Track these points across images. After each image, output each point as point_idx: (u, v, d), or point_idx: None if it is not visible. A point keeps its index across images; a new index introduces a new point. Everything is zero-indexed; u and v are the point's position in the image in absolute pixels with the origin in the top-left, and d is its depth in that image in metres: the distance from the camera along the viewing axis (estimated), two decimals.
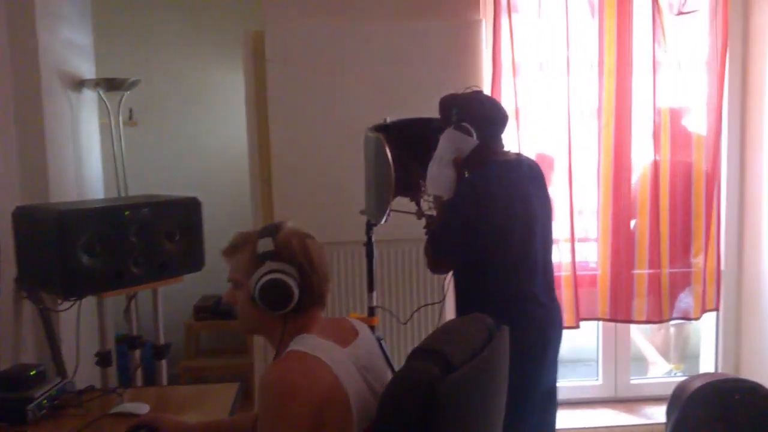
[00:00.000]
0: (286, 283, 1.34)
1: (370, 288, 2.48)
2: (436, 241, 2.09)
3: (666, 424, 1.85)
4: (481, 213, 1.95)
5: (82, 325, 2.23)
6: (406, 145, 2.21)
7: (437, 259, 2.11)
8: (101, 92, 3.07)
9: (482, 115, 2.05)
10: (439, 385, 1.20)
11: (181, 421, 1.64)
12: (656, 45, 2.99)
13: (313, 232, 1.46)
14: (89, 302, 2.30)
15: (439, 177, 2.05)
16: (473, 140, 2.01)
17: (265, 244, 1.37)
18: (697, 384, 1.78)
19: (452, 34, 2.95)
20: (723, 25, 3.00)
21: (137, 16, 3.85)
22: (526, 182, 2.06)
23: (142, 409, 1.77)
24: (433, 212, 2.22)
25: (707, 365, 3.38)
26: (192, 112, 3.93)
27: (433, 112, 2.14)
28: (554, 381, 2.14)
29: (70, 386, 1.90)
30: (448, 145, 2.04)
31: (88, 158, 3.05)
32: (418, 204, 2.29)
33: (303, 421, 1.23)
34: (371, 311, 2.48)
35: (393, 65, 2.92)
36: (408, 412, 1.20)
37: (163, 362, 2.51)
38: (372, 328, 2.45)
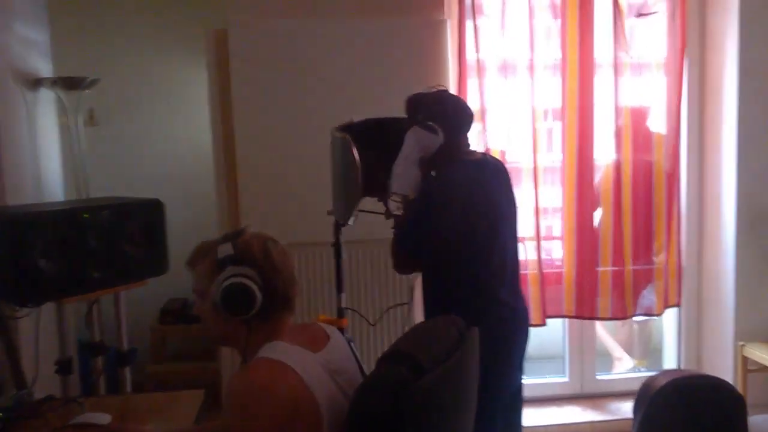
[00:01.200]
0: (248, 286, 1.32)
1: (339, 289, 2.46)
2: (400, 240, 2.08)
3: (633, 420, 1.88)
4: (445, 212, 1.95)
5: (42, 332, 2.16)
6: (372, 145, 2.19)
7: (402, 259, 2.11)
8: (59, 91, 2.98)
9: (448, 114, 2.05)
10: (410, 388, 1.20)
11: (146, 431, 1.60)
12: (617, 46, 3.04)
13: (281, 233, 1.44)
14: (49, 308, 2.23)
15: (404, 175, 2.04)
16: (439, 139, 2.01)
17: (225, 249, 1.35)
18: (663, 381, 1.81)
19: (417, 34, 2.95)
20: (681, 27, 3.07)
21: (97, 12, 3.76)
22: (491, 181, 2.07)
23: (104, 419, 1.72)
24: (401, 212, 2.21)
25: (670, 360, 3.45)
26: (155, 111, 3.85)
27: (399, 111, 2.14)
28: (520, 381, 2.15)
29: (28, 396, 1.84)
30: (414, 143, 2.03)
31: (46, 160, 2.96)
32: (385, 204, 2.27)
33: (271, 429, 1.21)
34: (340, 312, 2.47)
35: (358, 64, 2.91)
36: (378, 416, 1.20)
37: (127, 369, 2.45)
38: (341, 329, 2.44)
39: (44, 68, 3.03)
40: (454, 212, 1.96)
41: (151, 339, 3.65)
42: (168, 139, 3.85)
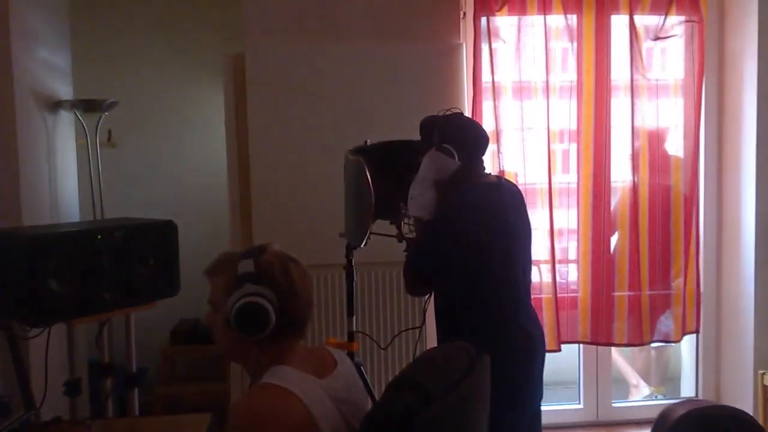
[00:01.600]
0: (263, 307, 1.30)
1: (350, 312, 2.44)
2: (414, 262, 2.07)
3: None
4: (459, 235, 1.94)
5: (53, 352, 2.16)
6: (386, 168, 2.19)
7: (415, 281, 2.09)
8: (78, 113, 3.03)
9: (463, 137, 2.04)
10: (419, 416, 1.17)
11: None
12: (634, 69, 3.02)
13: (292, 254, 1.42)
14: (60, 329, 2.23)
15: (420, 198, 2.04)
16: (455, 162, 2.00)
17: (246, 266, 1.32)
18: (681, 411, 1.77)
19: (433, 58, 2.96)
20: (699, 49, 3.05)
21: (116, 37, 3.82)
22: (505, 205, 2.05)
23: None
24: (413, 235, 2.20)
25: (688, 388, 3.38)
26: (171, 133, 3.89)
27: (413, 134, 2.13)
28: (539, 405, 2.11)
29: (36, 418, 1.83)
30: (430, 166, 2.02)
31: (63, 180, 3.00)
32: (398, 227, 2.26)
33: None
34: (351, 336, 2.45)
35: (373, 88, 2.92)
36: None
37: (135, 391, 2.44)
38: (351, 353, 2.41)
39: (64, 91, 3.09)
40: (468, 236, 1.94)
41: (162, 360, 3.65)
42: (183, 161, 3.88)
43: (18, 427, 1.74)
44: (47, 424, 1.86)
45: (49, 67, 2.93)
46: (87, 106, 3.01)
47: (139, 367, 2.53)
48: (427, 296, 2.19)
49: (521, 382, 1.96)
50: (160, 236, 2.28)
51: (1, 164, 2.46)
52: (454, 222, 1.96)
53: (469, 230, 1.94)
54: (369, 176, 2.10)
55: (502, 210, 2.03)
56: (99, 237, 2.10)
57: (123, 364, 2.46)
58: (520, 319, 2.01)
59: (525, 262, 2.09)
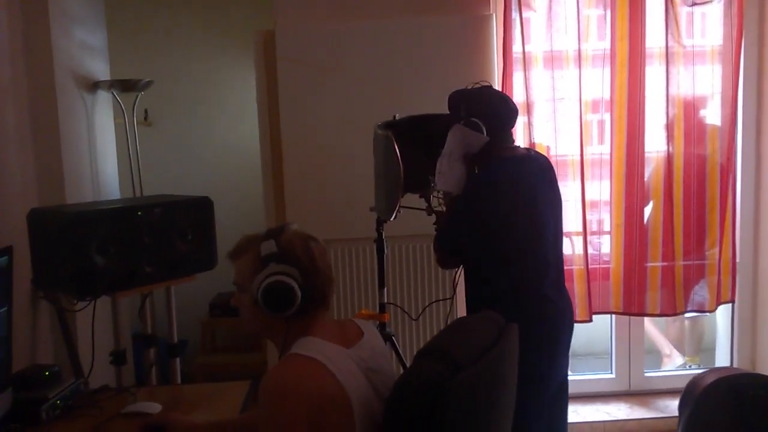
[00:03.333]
0: (289, 285, 1.35)
1: (381, 284, 2.49)
2: (443, 236, 2.10)
3: (678, 419, 1.84)
4: (486, 209, 1.95)
5: (99, 324, 2.26)
6: (415, 142, 2.21)
7: (445, 255, 2.12)
8: (115, 93, 3.11)
9: (491, 110, 2.04)
10: (447, 385, 1.21)
11: (189, 421, 1.66)
12: (669, 36, 2.95)
13: (325, 229, 1.47)
14: (105, 302, 2.33)
15: (448, 173, 2.05)
16: (483, 136, 2.01)
17: (268, 247, 1.38)
18: (710, 379, 1.77)
19: (462, 30, 2.93)
20: (738, 14, 2.95)
21: (150, 17, 3.89)
22: (534, 177, 2.05)
23: (154, 408, 1.79)
24: (443, 208, 2.22)
25: (723, 358, 3.35)
26: (205, 111, 3.96)
27: (443, 108, 2.14)
28: (565, 375, 2.14)
29: (85, 386, 1.93)
30: (457, 141, 2.03)
31: (103, 159, 3.09)
32: (427, 200, 2.29)
33: (300, 426, 1.24)
34: (382, 308, 2.50)
35: (403, 62, 2.92)
36: (415, 413, 1.21)
37: (177, 360, 2.54)
38: (383, 324, 2.47)
39: (101, 71, 3.16)
40: (497, 208, 1.96)
41: (202, 331, 3.77)
42: (217, 138, 3.96)
43: (69, 394, 1.84)
44: (96, 391, 1.96)
45: (87, 47, 3.00)
46: (124, 85, 3.08)
47: (180, 339, 2.63)
48: (457, 268, 2.22)
49: (545, 353, 1.99)
50: (197, 212, 2.36)
51: (45, 144, 2.54)
52: (482, 196, 1.98)
53: (497, 204, 1.96)
54: (398, 150, 2.13)
55: (529, 183, 2.03)
56: (139, 213, 2.19)
57: (165, 336, 2.56)
58: (547, 290, 2.03)
59: (554, 233, 2.10)
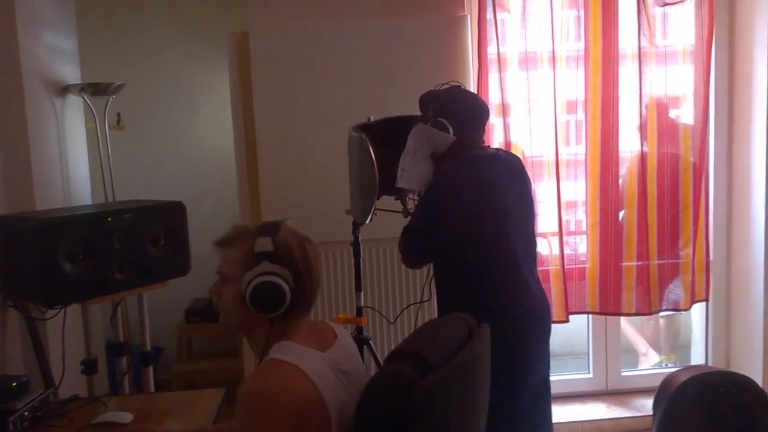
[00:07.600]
0: (280, 287, 1.31)
1: (358, 288, 2.47)
2: (406, 235, 2.08)
3: (653, 417, 1.85)
4: (446, 209, 1.94)
5: (70, 333, 2.22)
6: (389, 144, 2.19)
7: (408, 255, 2.11)
8: (86, 97, 3.06)
9: (458, 110, 2.04)
10: (416, 386, 1.20)
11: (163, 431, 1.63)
12: (642, 36, 2.98)
13: (302, 232, 1.43)
14: (76, 310, 2.29)
15: (411, 171, 2.04)
16: (449, 136, 2.00)
17: (264, 244, 1.33)
18: (684, 377, 1.78)
19: (437, 31, 2.94)
20: (708, 15, 2.99)
21: (122, 20, 3.84)
22: (499, 177, 2.03)
23: (125, 418, 1.76)
24: None
25: (698, 355, 3.38)
26: (179, 114, 3.92)
27: (418, 109, 2.13)
28: (545, 375, 2.13)
29: (54, 396, 1.89)
30: (421, 139, 2.02)
31: (75, 164, 3.04)
32: (403, 203, 2.28)
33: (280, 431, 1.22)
34: (359, 311, 2.48)
35: (378, 63, 2.91)
36: (385, 414, 1.20)
37: (150, 368, 2.50)
38: (360, 328, 2.45)
39: (72, 74, 3.11)
40: (454, 209, 1.94)
41: (178, 338, 3.72)
42: (191, 141, 3.91)
43: (38, 405, 1.79)
44: (65, 401, 1.92)
45: (56, 51, 2.95)
46: (95, 89, 3.04)
47: (155, 346, 2.59)
48: (429, 271, 2.21)
49: (521, 355, 1.97)
50: (169, 217, 2.33)
51: (13, 150, 2.49)
52: (440, 196, 1.97)
53: (455, 204, 1.94)
54: (373, 153, 2.11)
55: (496, 183, 2.01)
56: (109, 219, 2.15)
57: (139, 344, 2.53)
58: (516, 293, 2.01)
59: (523, 235, 2.08)
